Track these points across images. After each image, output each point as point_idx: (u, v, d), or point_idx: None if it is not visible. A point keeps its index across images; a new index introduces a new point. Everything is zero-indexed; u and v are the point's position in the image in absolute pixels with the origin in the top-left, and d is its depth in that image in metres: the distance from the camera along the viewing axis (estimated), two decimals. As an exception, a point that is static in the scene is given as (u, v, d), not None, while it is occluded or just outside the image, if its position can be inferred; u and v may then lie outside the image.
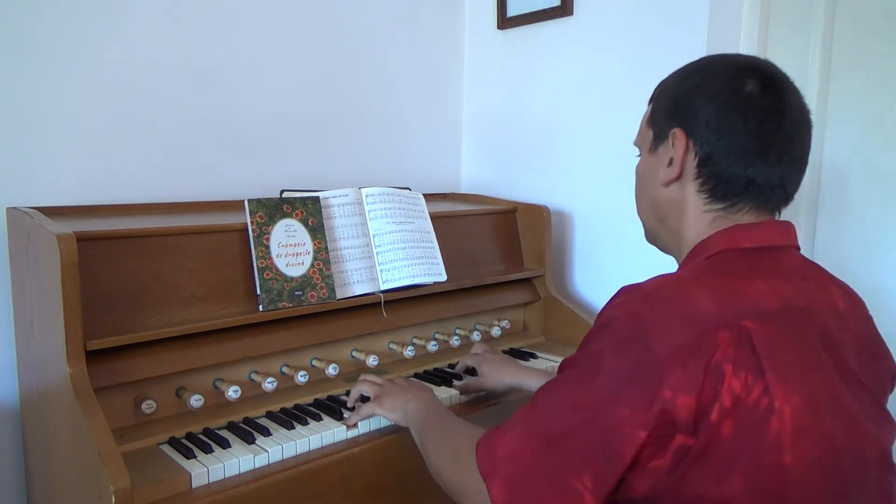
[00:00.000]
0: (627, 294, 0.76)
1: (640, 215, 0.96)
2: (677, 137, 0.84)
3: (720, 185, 0.82)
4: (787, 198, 0.84)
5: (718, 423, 0.67)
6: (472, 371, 1.40)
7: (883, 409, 0.80)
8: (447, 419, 1.00)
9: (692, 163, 0.84)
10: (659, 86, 0.92)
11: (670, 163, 0.86)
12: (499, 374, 1.30)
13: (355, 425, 1.17)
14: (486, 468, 0.76)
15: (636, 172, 0.96)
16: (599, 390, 0.72)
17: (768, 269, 0.78)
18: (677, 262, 0.90)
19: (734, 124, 0.80)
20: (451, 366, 1.47)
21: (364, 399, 1.21)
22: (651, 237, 0.96)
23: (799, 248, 0.85)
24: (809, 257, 0.91)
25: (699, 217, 0.85)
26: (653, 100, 0.92)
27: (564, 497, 0.71)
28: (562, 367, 0.81)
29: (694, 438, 0.68)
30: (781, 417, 0.68)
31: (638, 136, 0.95)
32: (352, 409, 1.21)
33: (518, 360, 1.40)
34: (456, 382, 1.38)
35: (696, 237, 0.85)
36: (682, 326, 0.69)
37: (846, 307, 0.81)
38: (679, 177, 0.85)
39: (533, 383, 1.26)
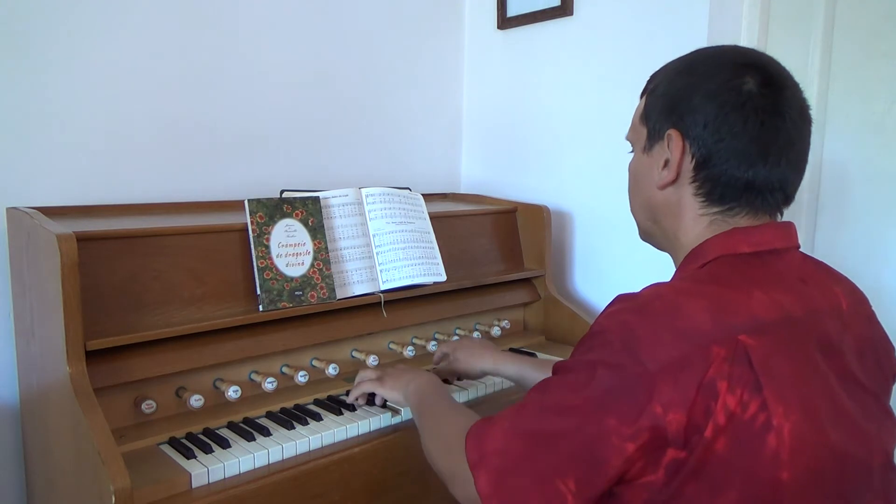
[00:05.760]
0: (622, 303, 0.75)
1: (634, 215, 0.94)
2: (673, 139, 0.81)
3: (718, 187, 0.80)
4: (786, 200, 0.82)
5: (713, 439, 0.66)
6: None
7: (886, 409, 0.80)
8: (444, 403, 1.00)
9: (689, 165, 0.81)
10: (652, 79, 0.88)
11: (666, 164, 0.83)
12: (473, 360, 1.28)
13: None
14: (474, 459, 0.77)
15: (629, 170, 0.93)
16: (589, 398, 0.71)
17: (767, 277, 0.76)
18: (674, 262, 0.89)
19: (734, 126, 0.77)
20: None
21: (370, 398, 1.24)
22: (646, 236, 0.94)
23: (799, 247, 0.84)
24: (810, 257, 0.90)
25: (696, 220, 0.83)
26: (646, 93, 0.88)
27: (548, 497, 0.71)
28: (555, 369, 0.80)
29: (686, 452, 0.67)
30: (780, 434, 0.67)
31: (630, 131, 0.92)
32: (353, 409, 1.23)
33: (499, 348, 1.36)
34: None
35: (693, 241, 0.83)
36: (674, 341, 0.68)
37: (849, 307, 0.80)
38: (675, 180, 0.83)
39: (510, 370, 1.24)
